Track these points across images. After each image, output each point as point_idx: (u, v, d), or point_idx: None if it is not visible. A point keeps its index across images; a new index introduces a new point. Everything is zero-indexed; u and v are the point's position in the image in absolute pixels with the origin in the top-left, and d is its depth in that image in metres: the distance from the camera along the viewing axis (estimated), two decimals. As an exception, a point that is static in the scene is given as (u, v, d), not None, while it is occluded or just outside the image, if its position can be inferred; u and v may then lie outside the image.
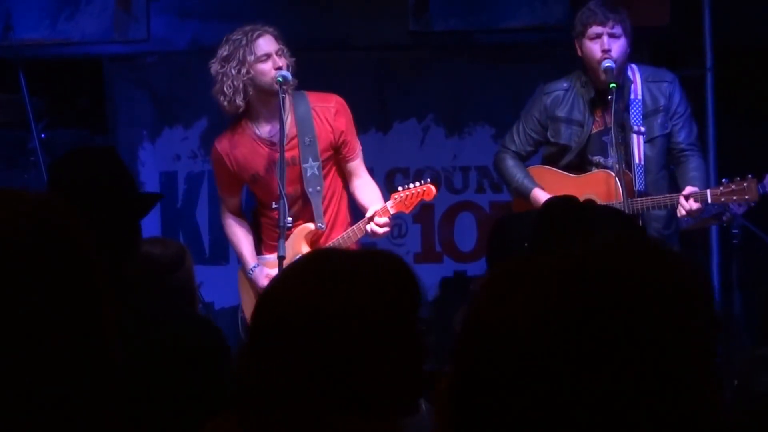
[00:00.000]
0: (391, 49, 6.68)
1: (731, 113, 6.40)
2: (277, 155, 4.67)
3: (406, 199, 4.77)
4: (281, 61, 4.66)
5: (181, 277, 3.48)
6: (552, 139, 5.05)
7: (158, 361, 2.32)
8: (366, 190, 4.90)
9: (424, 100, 6.65)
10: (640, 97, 4.97)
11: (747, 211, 5.55)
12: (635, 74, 5.01)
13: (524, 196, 5.04)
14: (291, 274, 1.70)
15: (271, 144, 4.78)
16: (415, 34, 6.53)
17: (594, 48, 4.87)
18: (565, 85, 5.05)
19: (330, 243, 4.79)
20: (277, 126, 4.69)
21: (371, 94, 6.60)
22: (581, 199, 3.26)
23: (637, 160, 4.90)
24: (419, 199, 4.79)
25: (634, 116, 4.95)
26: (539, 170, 5.13)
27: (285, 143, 4.66)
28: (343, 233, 4.80)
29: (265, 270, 4.87)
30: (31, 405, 1.49)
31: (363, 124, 6.61)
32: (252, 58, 4.65)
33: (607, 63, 4.83)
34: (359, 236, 4.76)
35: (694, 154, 5.00)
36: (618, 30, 4.87)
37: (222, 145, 4.90)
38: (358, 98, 6.56)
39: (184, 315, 3.08)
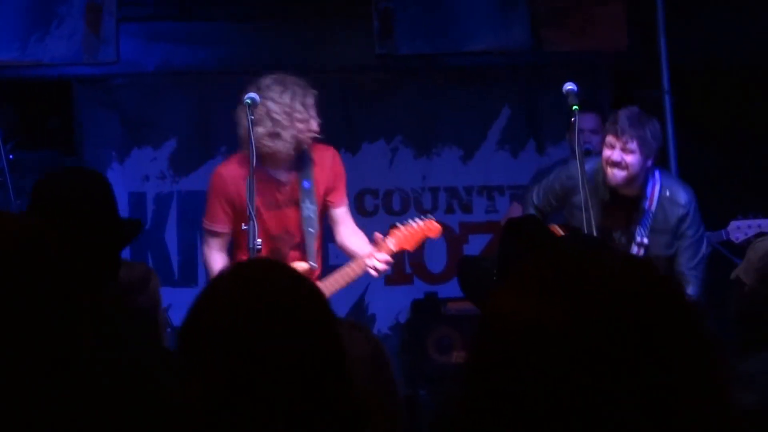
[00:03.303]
0: (358, 71, 6.73)
1: (691, 134, 6.49)
2: (281, 197, 4.87)
3: (410, 236, 4.83)
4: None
5: (144, 301, 3.45)
6: (567, 217, 5.05)
7: (112, 384, 2.35)
8: (355, 237, 5.02)
9: (392, 121, 6.70)
10: (653, 209, 4.94)
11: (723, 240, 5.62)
12: (655, 184, 4.95)
13: None
14: (216, 291, 1.74)
15: (280, 184, 4.91)
16: (381, 56, 6.59)
17: (605, 153, 4.86)
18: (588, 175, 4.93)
19: (324, 283, 4.81)
20: (290, 174, 4.90)
21: (339, 116, 6.63)
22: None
23: None
24: (423, 236, 4.81)
25: (642, 226, 4.94)
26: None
27: (285, 184, 4.86)
28: (338, 273, 4.86)
29: None
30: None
31: (331, 145, 6.66)
32: (305, 129, 4.85)
33: (568, 86, 4.79)
34: (359, 274, 4.84)
35: (692, 280, 4.94)
36: (633, 146, 4.81)
37: (229, 170, 4.92)
38: (325, 120, 6.60)
39: (145, 340, 3.07)
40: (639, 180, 4.90)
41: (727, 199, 5.85)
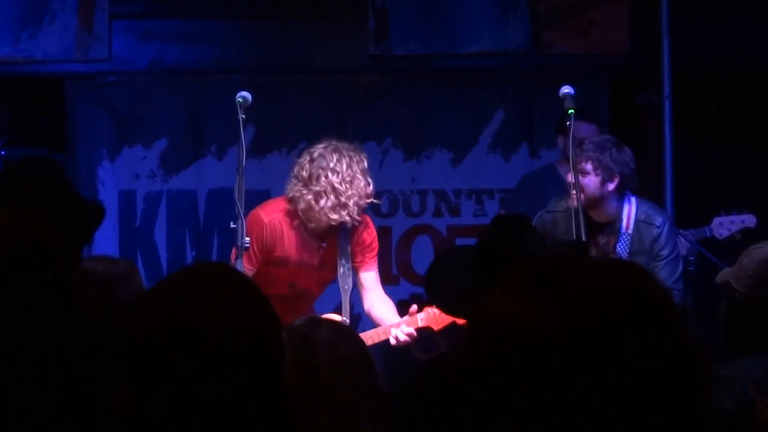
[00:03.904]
0: (352, 72, 6.71)
1: (689, 141, 6.48)
2: (318, 261, 4.93)
3: (440, 317, 4.81)
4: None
5: (125, 294, 3.45)
6: None
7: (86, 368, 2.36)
8: (384, 306, 5.05)
9: (384, 123, 6.67)
10: (630, 231, 5.01)
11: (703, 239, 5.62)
12: (631, 208, 5.04)
13: None
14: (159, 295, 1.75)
15: (320, 248, 4.94)
16: (376, 57, 6.58)
17: (567, 177, 4.91)
18: (566, 205, 5.01)
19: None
20: (330, 238, 4.91)
21: (331, 117, 6.61)
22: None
23: None
24: (451, 320, 4.69)
25: (621, 249, 5.00)
26: None
27: (325, 248, 4.91)
28: (366, 333, 4.88)
29: None
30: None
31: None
32: (365, 195, 4.83)
33: (565, 89, 4.79)
34: (382, 339, 4.87)
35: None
36: (588, 167, 4.91)
37: (271, 219, 4.89)
38: (317, 121, 6.59)
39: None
40: (603, 204, 4.97)
41: (725, 205, 5.83)
